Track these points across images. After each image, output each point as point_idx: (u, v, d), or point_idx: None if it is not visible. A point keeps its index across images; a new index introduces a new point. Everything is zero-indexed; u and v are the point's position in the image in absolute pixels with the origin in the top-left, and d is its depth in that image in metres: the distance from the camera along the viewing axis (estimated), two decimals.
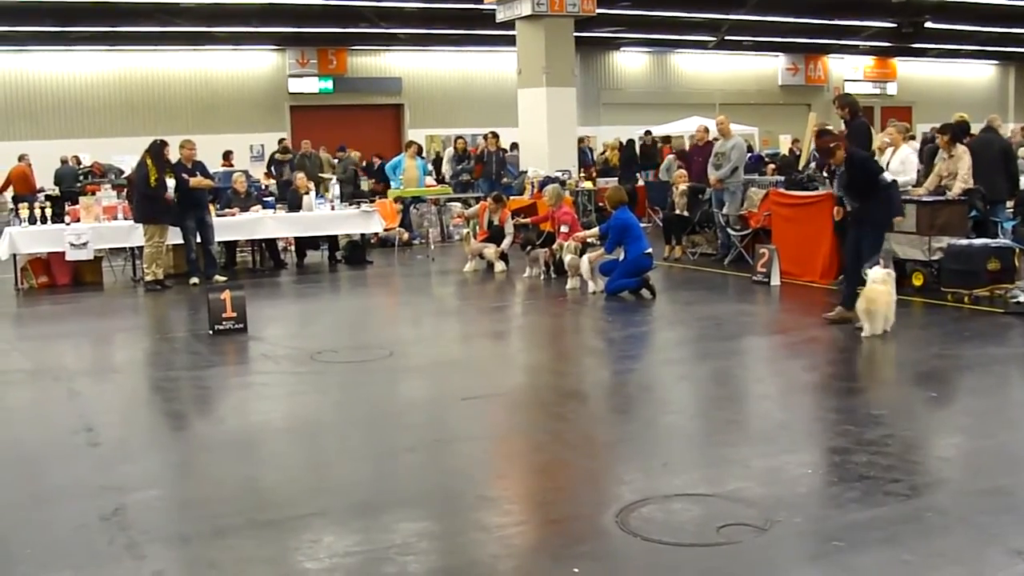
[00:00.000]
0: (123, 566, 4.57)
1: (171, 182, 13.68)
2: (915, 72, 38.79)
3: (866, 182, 9.60)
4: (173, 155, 14.11)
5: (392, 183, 19.49)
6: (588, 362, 9.43)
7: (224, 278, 13.57)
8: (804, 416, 7.02)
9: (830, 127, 12.50)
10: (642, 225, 13.18)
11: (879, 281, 9.09)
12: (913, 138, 16.90)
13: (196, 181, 13.83)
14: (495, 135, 21.21)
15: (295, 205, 15.87)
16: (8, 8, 23.15)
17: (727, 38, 31.55)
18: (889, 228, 11.23)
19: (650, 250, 11.95)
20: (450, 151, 23.69)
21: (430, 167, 22.01)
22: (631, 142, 23.97)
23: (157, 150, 13.68)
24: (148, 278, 13.51)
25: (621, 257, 12.01)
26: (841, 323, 9.57)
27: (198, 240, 14.01)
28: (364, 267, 15.78)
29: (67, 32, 25.64)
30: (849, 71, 37.72)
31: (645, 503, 5.11)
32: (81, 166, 24.07)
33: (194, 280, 13.79)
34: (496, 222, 15.34)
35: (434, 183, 21.16)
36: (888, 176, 9.90)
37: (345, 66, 30.67)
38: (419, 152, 20.69)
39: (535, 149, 20.72)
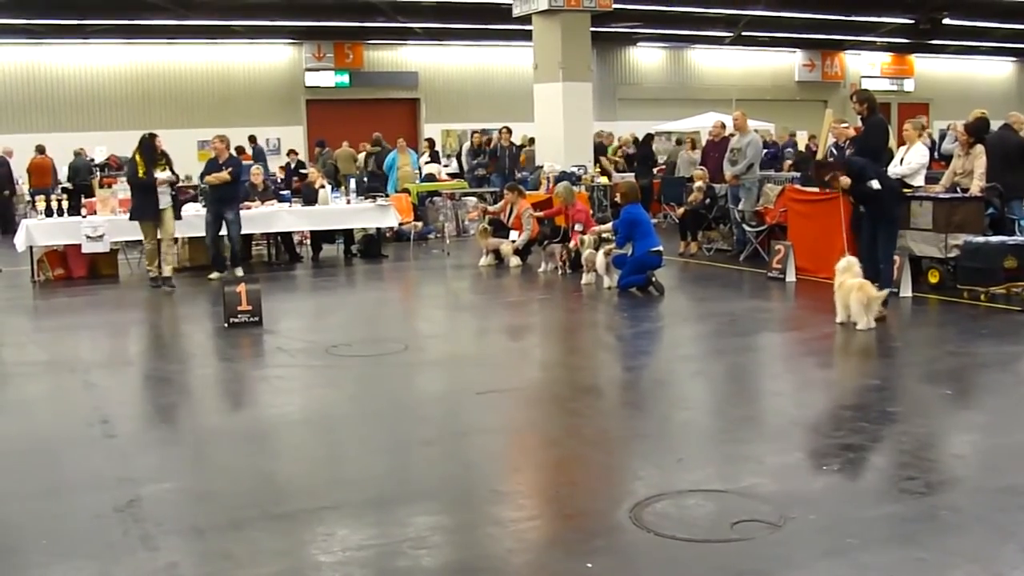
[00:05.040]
0: (137, 557, 4.59)
1: (163, 174, 13.12)
2: (932, 69, 38.54)
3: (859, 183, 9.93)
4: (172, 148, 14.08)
5: (389, 181, 19.65)
6: (603, 357, 9.43)
7: (239, 271, 13.57)
8: (818, 413, 7.01)
9: (834, 157, 12.52)
10: (655, 221, 13.12)
11: (842, 270, 9.24)
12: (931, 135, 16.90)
13: (210, 178, 13.90)
14: (508, 130, 21.25)
15: (311, 199, 15.91)
16: (26, 1, 23.21)
17: (744, 34, 31.43)
18: (904, 224, 11.21)
19: (659, 247, 11.86)
20: (467, 145, 23.75)
21: (423, 159, 22.26)
22: (648, 136, 23.91)
23: (145, 143, 13.37)
24: (151, 275, 13.40)
25: (630, 253, 11.99)
26: (880, 320, 9.41)
27: (222, 234, 13.99)
28: (379, 261, 15.80)
29: (84, 25, 25.75)
30: (866, 67, 37.51)
31: (659, 499, 5.10)
32: (95, 162, 24.09)
33: (212, 275, 13.71)
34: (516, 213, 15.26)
35: (435, 175, 21.17)
36: (875, 184, 9.90)
37: (361, 60, 30.64)
38: (433, 148, 20.75)
39: (551, 144, 20.68)
